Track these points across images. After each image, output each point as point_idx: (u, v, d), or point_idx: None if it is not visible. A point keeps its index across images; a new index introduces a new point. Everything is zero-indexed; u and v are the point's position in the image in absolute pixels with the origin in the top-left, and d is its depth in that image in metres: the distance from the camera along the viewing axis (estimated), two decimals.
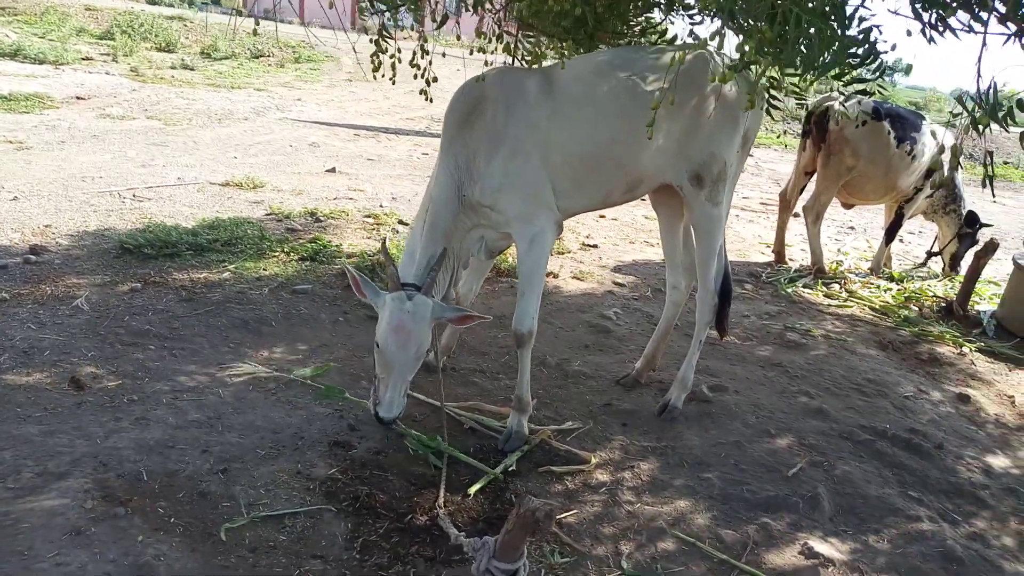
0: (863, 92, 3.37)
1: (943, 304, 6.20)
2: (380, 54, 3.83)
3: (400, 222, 6.64)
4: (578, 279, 5.85)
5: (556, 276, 5.80)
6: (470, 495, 3.15)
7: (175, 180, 7.08)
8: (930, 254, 7.24)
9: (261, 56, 18.88)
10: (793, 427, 4.05)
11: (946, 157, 6.42)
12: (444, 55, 4.61)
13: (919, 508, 3.49)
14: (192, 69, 15.35)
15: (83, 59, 14.50)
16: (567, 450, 3.57)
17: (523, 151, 3.36)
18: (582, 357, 4.57)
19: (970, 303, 6.10)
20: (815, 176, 6.61)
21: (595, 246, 6.74)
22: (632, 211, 8.22)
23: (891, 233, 6.85)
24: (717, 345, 4.90)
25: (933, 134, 6.44)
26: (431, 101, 4.12)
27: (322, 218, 6.41)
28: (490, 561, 2.52)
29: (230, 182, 7.16)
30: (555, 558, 2.85)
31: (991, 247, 6.00)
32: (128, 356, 3.78)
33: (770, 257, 7.09)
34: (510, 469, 3.36)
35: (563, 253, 6.38)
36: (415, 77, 3.90)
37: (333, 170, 8.39)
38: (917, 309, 6.12)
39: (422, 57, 3.93)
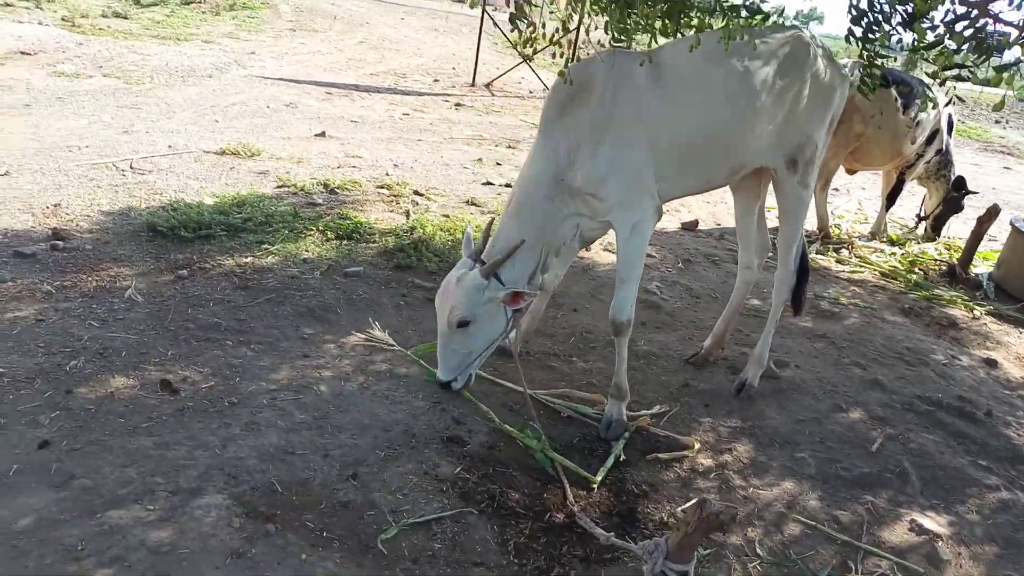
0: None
1: (945, 267, 6.50)
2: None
3: (416, 192, 6.47)
4: (609, 251, 5.86)
5: (587, 249, 5.78)
6: (595, 487, 3.18)
7: (167, 149, 6.68)
8: (920, 218, 7.54)
9: (192, 2, 17.79)
10: (858, 400, 4.22)
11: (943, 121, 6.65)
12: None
13: (992, 477, 3.71)
14: (126, 18, 14.34)
15: (3, 4, 13.36)
16: (667, 435, 3.63)
17: (631, 138, 3.31)
18: (644, 335, 4.61)
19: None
20: None
21: None
22: None
23: (892, 198, 7.10)
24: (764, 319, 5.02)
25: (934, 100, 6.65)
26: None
27: (337, 190, 6.18)
28: (664, 563, 2.56)
29: (226, 150, 6.80)
30: (699, 550, 2.92)
31: (994, 212, 6.30)
32: (207, 353, 3.61)
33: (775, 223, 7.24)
34: (621, 459, 3.40)
35: None
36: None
37: (323, 134, 8.07)
38: (922, 273, 6.39)
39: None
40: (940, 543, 3.18)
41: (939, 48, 3.13)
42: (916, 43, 3.28)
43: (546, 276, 3.87)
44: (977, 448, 3.95)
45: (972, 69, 3.20)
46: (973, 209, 7.50)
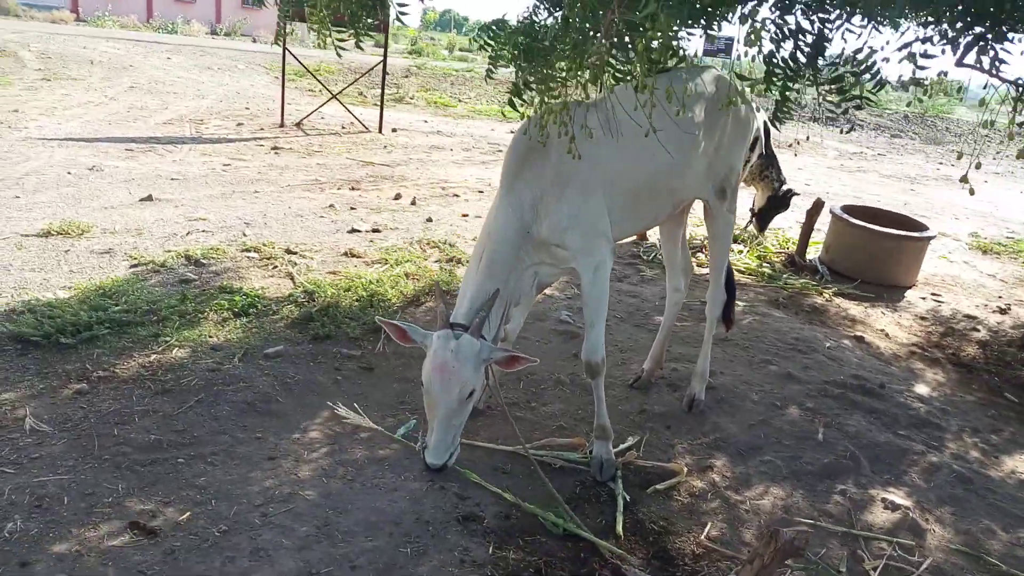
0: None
1: (785, 258, 7.26)
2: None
3: (288, 251, 6.06)
4: None
5: None
6: (620, 536, 3.18)
7: None
8: (753, 213, 8.31)
9: None
10: (784, 395, 4.59)
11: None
12: None
13: (914, 443, 4.22)
14: None
15: None
16: (654, 465, 3.72)
17: (590, 187, 3.38)
18: (577, 366, 4.67)
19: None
20: None
21: None
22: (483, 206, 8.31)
23: None
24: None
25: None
26: None
27: (202, 261, 5.62)
28: None
29: (49, 230, 5.93)
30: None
31: (819, 205, 7.14)
32: (163, 479, 3.13)
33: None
34: (627, 499, 3.43)
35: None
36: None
37: (150, 198, 7.29)
38: (770, 266, 7.09)
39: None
40: (913, 514, 3.56)
41: (840, 83, 3.48)
42: (816, 78, 3.63)
43: (508, 327, 3.82)
44: (890, 420, 4.46)
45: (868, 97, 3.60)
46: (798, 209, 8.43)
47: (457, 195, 8.66)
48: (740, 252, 7.37)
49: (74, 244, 5.78)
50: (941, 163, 17.23)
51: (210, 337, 4.39)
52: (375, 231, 6.92)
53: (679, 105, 3.61)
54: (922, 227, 7.18)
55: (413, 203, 8.06)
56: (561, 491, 3.42)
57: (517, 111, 3.24)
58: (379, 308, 5.05)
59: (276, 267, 5.70)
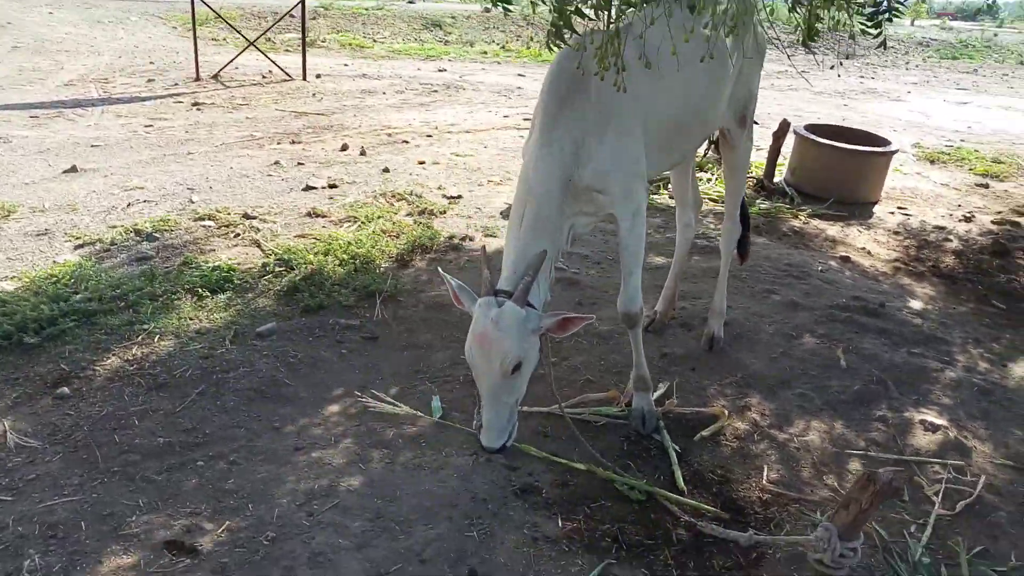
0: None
1: (754, 182, 7.19)
2: None
3: (246, 216, 5.58)
4: (490, 236, 5.59)
5: (470, 239, 5.46)
6: (684, 490, 3.05)
7: None
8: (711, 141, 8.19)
9: None
10: (796, 324, 4.52)
11: None
12: None
13: (928, 360, 4.22)
14: None
15: None
16: (693, 411, 3.59)
17: (630, 125, 3.12)
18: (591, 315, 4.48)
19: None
20: None
21: (459, 197, 6.42)
22: (451, 155, 7.91)
23: None
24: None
25: None
26: None
27: (156, 235, 5.11)
28: (841, 545, 2.53)
29: None
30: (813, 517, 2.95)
31: (785, 127, 7.06)
32: (185, 486, 2.80)
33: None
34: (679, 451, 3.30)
35: (443, 213, 5.98)
36: None
37: (74, 169, 6.60)
38: None
39: None
40: (953, 433, 3.56)
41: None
42: None
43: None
44: (900, 339, 4.46)
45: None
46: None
47: (406, 141, 8.21)
48: (708, 180, 7.25)
49: (2, 227, 5.15)
50: (862, 77, 17.55)
51: (191, 320, 3.97)
52: (332, 187, 6.47)
53: (718, 28, 3.36)
54: (884, 142, 7.21)
55: (363, 153, 7.59)
56: (609, 450, 3.27)
57: (555, 47, 2.90)
58: (365, 271, 4.70)
59: (238, 235, 5.24)
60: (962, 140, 10.30)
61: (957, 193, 7.75)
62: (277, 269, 4.62)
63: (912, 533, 2.90)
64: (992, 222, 6.77)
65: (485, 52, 17.63)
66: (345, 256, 4.80)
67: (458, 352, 3.92)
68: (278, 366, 3.64)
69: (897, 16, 3.36)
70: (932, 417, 3.67)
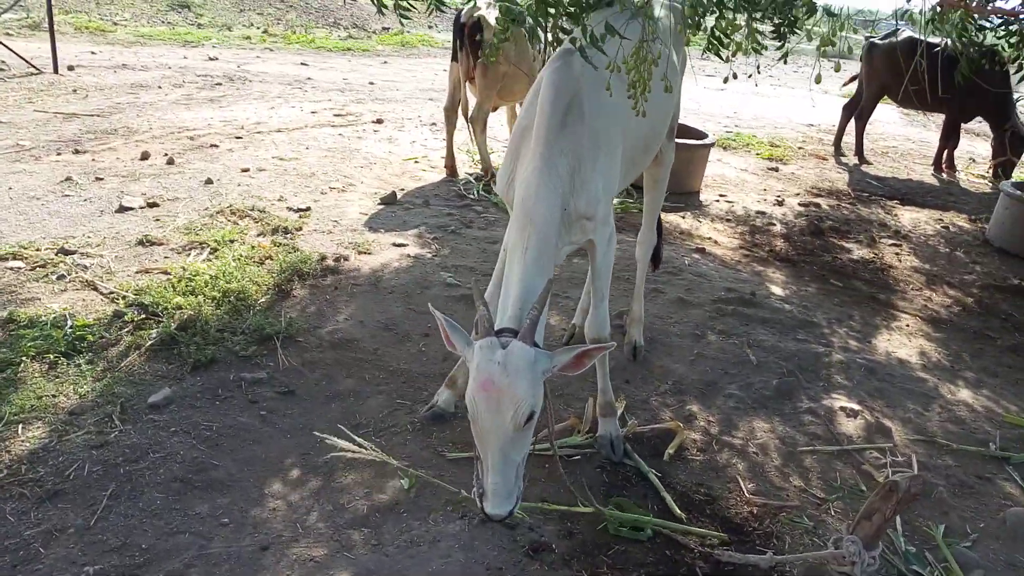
0: None
1: None
2: None
3: (64, 251, 4.57)
4: (365, 253, 5.12)
5: (345, 259, 4.96)
6: (682, 518, 2.99)
7: None
8: None
9: None
10: (692, 322, 4.67)
11: None
12: None
13: (813, 345, 4.58)
14: None
15: None
16: (652, 428, 3.56)
17: (616, 148, 3.00)
18: None
19: None
20: (470, 86, 6.82)
21: (307, 209, 5.81)
22: (289, 164, 7.12)
23: None
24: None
25: None
26: None
27: None
28: (867, 556, 2.62)
29: None
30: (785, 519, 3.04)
31: None
32: None
33: (434, 174, 7.18)
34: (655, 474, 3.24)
35: (298, 229, 5.37)
36: None
37: None
38: None
39: None
40: (868, 416, 3.87)
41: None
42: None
43: None
44: (782, 327, 4.78)
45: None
46: None
47: (215, 145, 7.30)
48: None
49: None
50: None
51: (54, 398, 3.17)
52: (152, 205, 5.56)
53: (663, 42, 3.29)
54: (702, 134, 7.71)
55: (171, 162, 6.61)
56: (594, 485, 3.13)
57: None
58: (247, 310, 4.08)
59: (63, 276, 4.29)
60: (736, 125, 11.39)
61: (756, 177, 8.53)
62: (136, 317, 3.85)
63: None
64: (799, 204, 7.54)
65: (248, 37, 16.33)
66: (216, 294, 4.13)
67: (391, 396, 3.57)
68: (194, 444, 3.02)
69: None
70: (846, 402, 3.96)
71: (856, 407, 3.92)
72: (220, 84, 10.39)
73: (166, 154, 6.78)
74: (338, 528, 2.72)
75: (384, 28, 20.73)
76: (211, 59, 12.62)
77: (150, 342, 3.64)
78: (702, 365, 4.18)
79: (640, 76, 2.59)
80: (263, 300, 4.23)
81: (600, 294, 3.15)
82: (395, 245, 5.32)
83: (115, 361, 3.50)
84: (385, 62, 14.63)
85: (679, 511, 3.00)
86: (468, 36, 6.45)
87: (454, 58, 6.72)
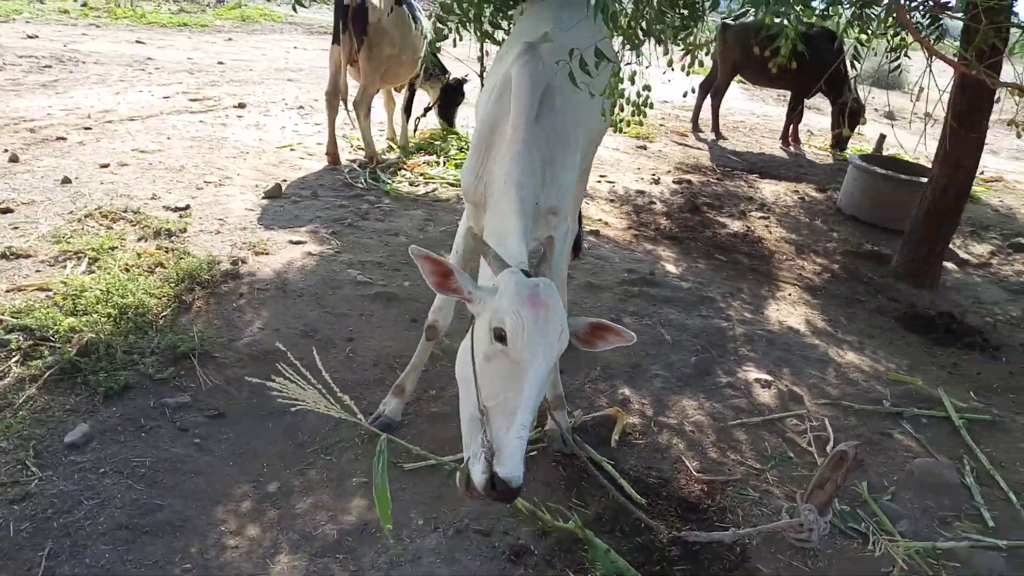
0: None
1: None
2: None
3: None
4: (262, 254, 4.81)
5: (243, 262, 4.64)
6: (644, 504, 3.09)
7: None
8: (427, 109, 8.02)
9: None
10: (605, 306, 4.80)
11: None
12: None
13: (716, 320, 4.84)
14: None
15: None
16: (593, 417, 3.64)
17: (580, 143, 3.00)
18: (414, 331, 4.19)
19: None
20: (351, 69, 6.55)
21: (186, 207, 5.35)
22: (163, 158, 6.48)
23: (410, 108, 7.42)
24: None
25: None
26: None
27: None
28: (822, 521, 2.82)
29: None
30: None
31: None
32: None
33: (314, 162, 6.87)
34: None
35: (182, 231, 4.96)
36: None
37: None
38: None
39: None
40: (779, 385, 4.15)
41: None
42: None
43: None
44: (685, 304, 5.02)
45: None
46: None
47: (63, 138, 6.55)
48: (436, 162, 7.16)
49: None
50: None
51: None
52: (5, 211, 4.93)
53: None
54: None
55: (14, 160, 5.88)
56: (556, 481, 3.16)
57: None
58: (149, 327, 3.74)
59: None
60: None
61: (629, 156, 8.83)
62: (22, 344, 3.42)
63: None
64: (673, 182, 7.89)
65: (67, 11, 14.75)
66: (112, 311, 3.74)
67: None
68: (130, 484, 2.74)
69: None
70: (758, 374, 4.23)
71: (768, 377, 4.19)
72: (50, 66, 9.34)
73: (6, 150, 6.03)
74: (312, 558, 2.58)
75: (218, 0, 19.45)
76: (30, 37, 11.30)
77: (48, 372, 3.26)
78: (624, 348, 4.25)
79: (615, 80, 2.60)
80: (165, 314, 3.90)
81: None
82: (292, 243, 5.05)
83: (10, 397, 3.10)
84: (230, 39, 13.74)
85: (639, 498, 3.10)
86: (352, 18, 6.18)
87: (335, 41, 6.42)
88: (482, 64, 3.43)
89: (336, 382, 3.55)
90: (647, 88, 4.08)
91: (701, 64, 4.12)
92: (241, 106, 8.45)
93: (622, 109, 3.99)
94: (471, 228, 2.95)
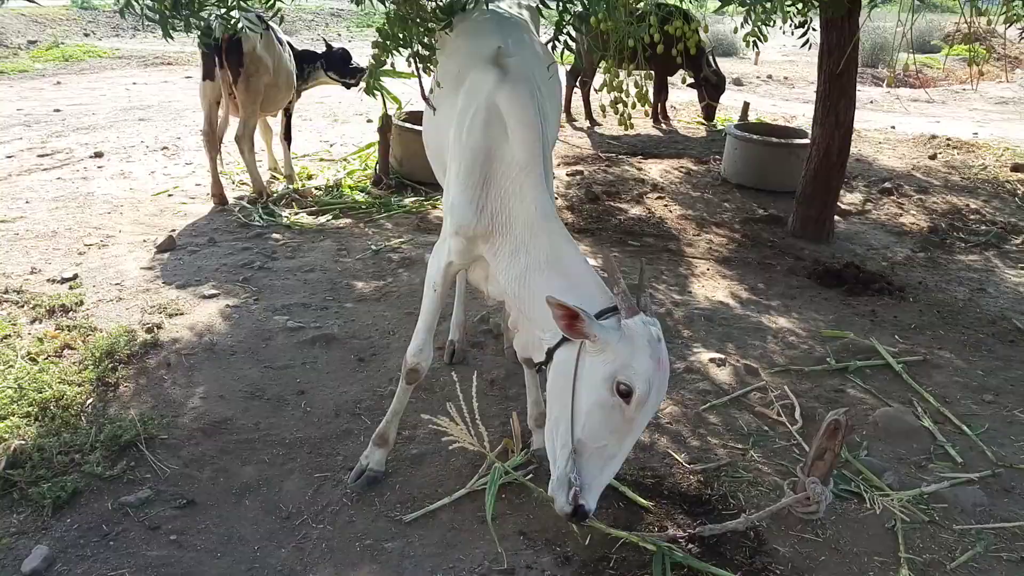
0: None
1: (373, 178, 7.09)
2: None
3: None
4: (177, 315, 4.42)
5: (159, 327, 4.25)
6: (649, 508, 3.08)
7: None
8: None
9: None
10: None
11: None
12: None
13: (652, 306, 4.90)
14: None
15: None
16: None
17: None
18: (364, 372, 4.00)
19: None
20: (230, 103, 6.15)
21: (73, 277, 4.84)
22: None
23: (289, 135, 7.06)
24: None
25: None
26: None
27: None
28: (826, 491, 2.90)
29: None
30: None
31: (389, 122, 7.00)
32: None
33: (198, 205, 6.42)
34: None
35: (79, 304, 4.49)
36: None
37: None
38: (366, 194, 6.85)
39: None
40: (733, 361, 4.26)
41: None
42: None
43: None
44: None
45: None
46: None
47: None
48: (331, 188, 6.88)
49: None
50: None
51: None
52: None
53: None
54: None
55: None
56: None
57: None
58: (76, 420, 3.35)
59: None
60: None
61: None
62: None
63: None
64: (566, 174, 7.96)
65: None
66: (30, 409, 3.33)
67: (307, 472, 3.21)
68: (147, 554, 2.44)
69: None
70: (709, 353, 4.33)
71: (719, 356, 4.30)
72: None
73: None
74: None
75: (30, 42, 17.85)
76: None
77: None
78: None
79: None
80: (91, 402, 3.51)
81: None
82: (205, 297, 4.69)
83: None
84: (58, 82, 12.59)
85: (644, 501, 3.08)
86: (226, 51, 5.79)
87: (206, 77, 5.99)
88: (422, 87, 3.30)
89: (303, 443, 3.38)
90: None
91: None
92: (98, 155, 7.76)
93: None
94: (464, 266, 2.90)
